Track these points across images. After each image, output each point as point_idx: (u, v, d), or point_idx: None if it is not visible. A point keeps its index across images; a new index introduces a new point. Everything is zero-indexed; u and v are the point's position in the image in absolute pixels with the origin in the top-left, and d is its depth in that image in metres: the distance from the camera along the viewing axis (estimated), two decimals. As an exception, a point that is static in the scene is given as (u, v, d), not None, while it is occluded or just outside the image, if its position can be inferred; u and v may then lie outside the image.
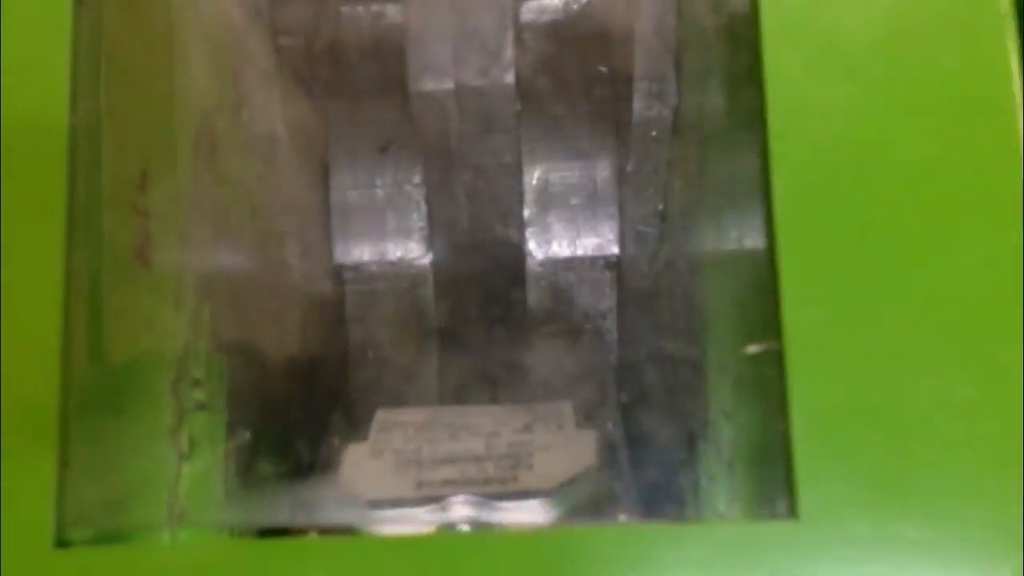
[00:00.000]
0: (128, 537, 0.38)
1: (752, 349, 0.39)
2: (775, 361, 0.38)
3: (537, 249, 0.75)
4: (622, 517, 0.52)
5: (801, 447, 0.35)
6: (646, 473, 0.58)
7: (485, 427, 0.64)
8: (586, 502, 0.55)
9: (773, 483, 0.40)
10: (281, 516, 0.57)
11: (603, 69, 0.67)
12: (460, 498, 0.55)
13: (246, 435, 0.62)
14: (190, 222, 0.53)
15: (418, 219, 0.74)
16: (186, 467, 0.50)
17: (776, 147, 0.37)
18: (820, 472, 0.35)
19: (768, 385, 0.40)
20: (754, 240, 0.44)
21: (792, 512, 0.35)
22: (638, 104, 0.63)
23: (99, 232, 0.41)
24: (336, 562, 0.36)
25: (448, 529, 0.54)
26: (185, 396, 0.51)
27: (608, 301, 0.74)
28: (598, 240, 0.74)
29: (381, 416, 0.66)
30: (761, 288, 0.42)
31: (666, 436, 0.61)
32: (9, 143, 0.39)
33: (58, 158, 0.39)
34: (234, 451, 0.59)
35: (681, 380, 0.61)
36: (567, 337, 0.76)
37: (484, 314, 0.77)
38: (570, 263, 0.74)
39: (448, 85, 0.65)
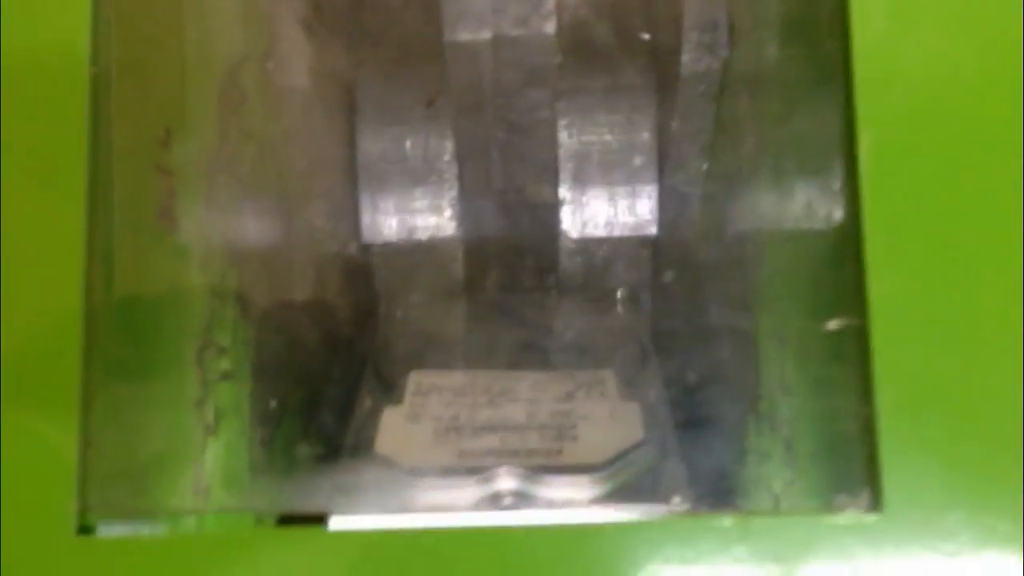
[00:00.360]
0: (153, 521, 0.36)
1: (833, 324, 0.35)
2: (855, 337, 0.35)
3: (571, 209, 0.71)
4: (676, 499, 0.50)
5: (887, 432, 0.32)
6: (692, 449, 0.56)
7: (523, 393, 0.61)
8: (634, 479, 0.53)
9: (845, 469, 0.37)
10: (311, 496, 0.54)
11: (649, 19, 0.63)
12: (504, 470, 0.53)
13: (272, 405, 0.60)
14: (215, 181, 0.50)
15: (449, 177, 0.71)
16: (212, 441, 0.48)
17: (863, 105, 0.34)
18: (907, 460, 0.32)
19: (843, 363, 0.37)
20: (822, 205, 0.41)
21: (875, 504, 0.32)
22: (686, 56, 0.59)
23: (122, 190, 0.38)
24: (364, 550, 0.34)
25: (493, 502, 0.52)
26: (210, 366, 0.48)
27: (646, 266, 0.71)
28: (636, 201, 0.70)
29: (415, 378, 0.64)
30: (832, 256, 0.39)
31: (713, 410, 0.58)
32: (28, 93, 0.36)
33: (79, 109, 0.36)
34: (260, 422, 0.57)
35: (729, 351, 0.58)
36: (603, 303, 0.73)
37: (516, 277, 0.74)
38: (607, 225, 0.71)
39: (485, 35, 0.62)
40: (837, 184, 0.36)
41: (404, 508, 0.52)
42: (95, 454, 0.35)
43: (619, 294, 0.72)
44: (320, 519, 0.38)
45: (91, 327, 0.35)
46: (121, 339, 0.38)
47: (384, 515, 0.51)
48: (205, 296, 0.48)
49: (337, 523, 0.41)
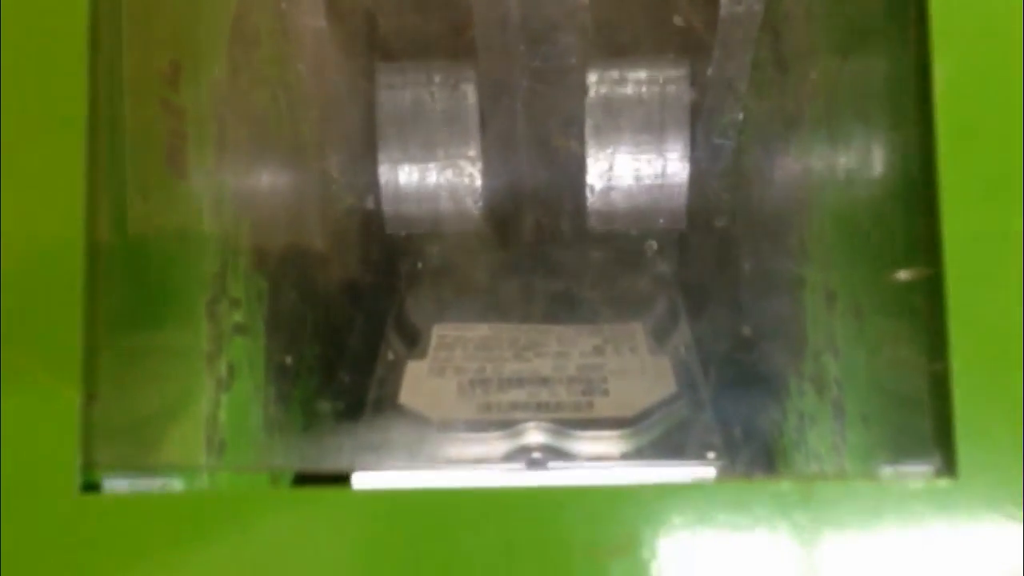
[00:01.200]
0: (163, 478, 0.33)
1: (904, 275, 0.33)
2: (921, 290, 0.32)
3: (598, 162, 0.68)
4: (710, 454, 0.47)
5: (961, 391, 0.30)
6: (727, 408, 0.53)
7: (551, 347, 0.59)
8: (666, 433, 0.50)
9: (904, 432, 0.35)
10: (329, 454, 0.52)
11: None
12: (532, 424, 0.51)
13: (288, 361, 0.57)
14: (226, 126, 0.48)
15: (471, 127, 0.68)
16: (225, 396, 0.46)
17: (940, 45, 0.31)
18: (984, 422, 0.30)
19: (905, 318, 0.34)
20: (876, 153, 0.38)
21: (949, 469, 0.30)
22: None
23: (129, 125, 0.35)
24: (382, 511, 0.31)
25: (521, 455, 0.49)
26: (223, 318, 0.46)
27: (676, 219, 0.68)
28: (666, 153, 0.67)
29: (439, 332, 0.62)
30: (892, 203, 0.36)
31: (748, 370, 0.56)
32: (22, 23, 0.33)
33: (78, 39, 0.33)
34: (276, 378, 0.54)
35: (767, 308, 0.55)
36: (631, 257, 0.70)
37: (541, 228, 0.71)
38: (636, 175, 0.68)
39: (512, -26, 0.58)
40: (903, 126, 0.33)
41: (431, 463, 0.50)
42: (100, 407, 0.32)
43: (648, 247, 0.69)
44: (337, 479, 0.36)
45: (94, 269, 0.32)
46: (128, 284, 0.35)
47: (410, 471, 0.49)
48: (217, 245, 0.45)
49: (360, 480, 0.39)
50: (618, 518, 0.30)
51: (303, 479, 0.44)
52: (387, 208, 0.67)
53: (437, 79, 0.65)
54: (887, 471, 0.30)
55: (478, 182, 0.68)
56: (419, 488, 0.31)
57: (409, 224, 0.69)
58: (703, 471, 0.47)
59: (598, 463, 0.50)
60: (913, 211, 0.32)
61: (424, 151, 0.66)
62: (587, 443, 0.50)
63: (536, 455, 0.50)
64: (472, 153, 0.67)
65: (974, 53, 0.31)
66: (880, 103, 0.36)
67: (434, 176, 0.68)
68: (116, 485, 0.32)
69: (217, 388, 0.45)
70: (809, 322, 0.47)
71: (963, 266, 0.30)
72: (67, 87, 0.32)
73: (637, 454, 0.50)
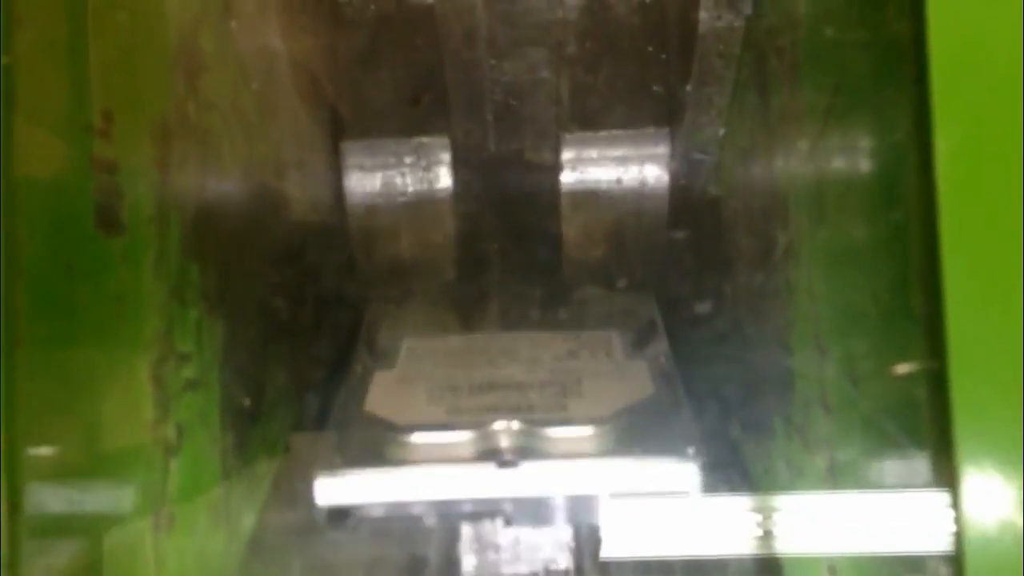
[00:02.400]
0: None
1: (903, 368, 0.30)
2: (919, 384, 0.29)
3: (572, 176, 0.65)
4: (689, 450, 0.45)
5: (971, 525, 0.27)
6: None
7: (524, 353, 0.57)
8: (644, 432, 0.48)
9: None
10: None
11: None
12: (503, 424, 0.48)
13: (245, 403, 0.54)
14: (172, 162, 0.44)
15: (440, 140, 0.64)
16: (174, 462, 0.42)
17: (941, 86, 0.28)
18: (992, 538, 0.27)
19: (907, 410, 0.31)
20: (864, 166, 0.35)
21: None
22: (705, 13, 0.52)
23: (40, 200, 0.31)
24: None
25: (492, 456, 0.47)
26: (170, 379, 0.42)
27: (655, 233, 0.65)
28: (644, 167, 0.64)
29: (408, 344, 0.60)
30: (893, 273, 0.33)
31: (735, 408, 0.53)
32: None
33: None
34: (233, 424, 0.51)
35: (744, 321, 0.52)
36: (606, 270, 0.68)
37: (512, 247, 0.68)
38: (608, 193, 0.65)
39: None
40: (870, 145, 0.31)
41: (397, 464, 0.48)
42: (22, 521, 0.29)
43: (628, 258, 0.67)
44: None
45: (12, 366, 0.29)
46: (51, 379, 0.32)
47: (375, 470, 0.47)
48: (162, 301, 0.42)
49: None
50: None
51: None
52: (351, 223, 0.64)
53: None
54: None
55: (448, 198, 0.65)
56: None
57: (375, 238, 0.66)
58: (682, 467, 0.46)
59: (572, 460, 0.47)
60: (913, 295, 0.29)
61: (389, 168, 0.63)
62: (561, 443, 0.48)
63: (508, 456, 0.48)
64: (439, 171, 0.64)
65: (981, 123, 0.28)
66: (855, 126, 0.33)
67: (402, 188, 0.64)
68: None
69: (165, 455, 0.42)
70: (797, 371, 0.44)
71: (968, 360, 0.27)
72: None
73: (614, 451, 0.47)
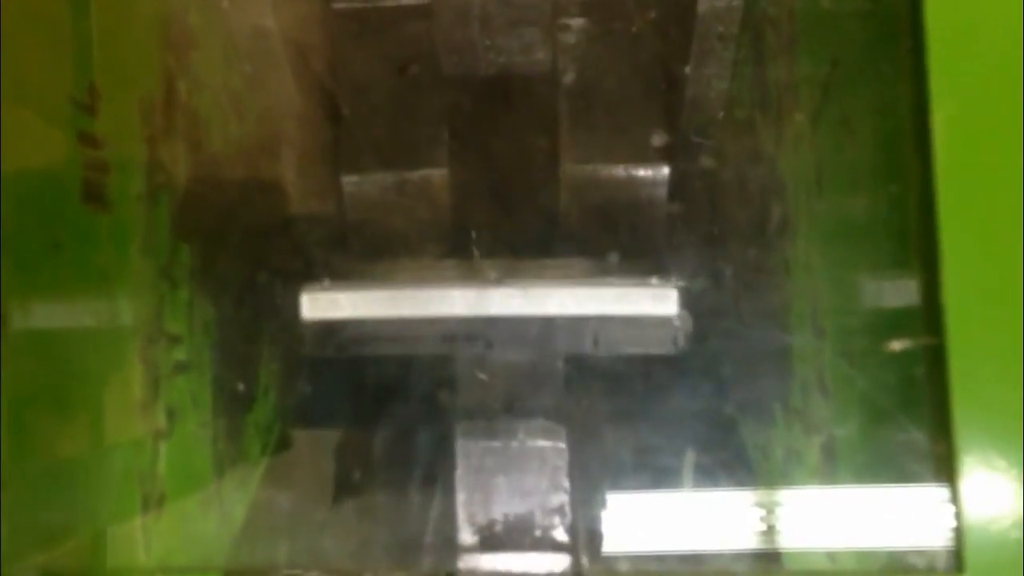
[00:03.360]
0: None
1: (897, 344, 0.29)
2: (921, 359, 0.28)
3: (572, 162, 0.64)
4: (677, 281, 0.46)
5: (971, 490, 0.26)
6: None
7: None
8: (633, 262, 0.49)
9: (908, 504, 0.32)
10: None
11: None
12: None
13: (239, 387, 0.53)
14: (161, 142, 0.43)
15: (436, 127, 0.63)
16: (164, 445, 0.42)
17: (938, 58, 0.27)
18: (992, 520, 0.26)
19: (903, 386, 0.31)
20: (862, 140, 0.35)
21: (957, 566, 0.26)
22: (704, -7, 0.51)
23: (25, 175, 0.31)
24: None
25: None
26: (160, 360, 0.42)
27: (654, 222, 0.64)
28: (644, 152, 0.63)
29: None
30: (892, 247, 0.32)
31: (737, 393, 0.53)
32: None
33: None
34: (226, 410, 0.51)
35: (756, 351, 0.52)
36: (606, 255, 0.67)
37: (508, 236, 0.68)
38: (610, 179, 0.64)
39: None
40: (891, 154, 0.30)
41: (384, 283, 0.49)
42: (11, 497, 0.29)
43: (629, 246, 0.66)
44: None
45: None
46: (35, 358, 0.32)
47: (361, 291, 0.47)
48: (151, 281, 0.41)
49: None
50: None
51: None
52: (348, 212, 0.63)
53: (398, 80, 0.60)
54: (889, 565, 0.27)
55: (444, 185, 0.64)
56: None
57: (373, 229, 0.65)
58: (665, 293, 0.47)
59: (560, 283, 0.48)
60: (908, 263, 0.29)
61: (386, 155, 0.62)
62: (550, 269, 0.48)
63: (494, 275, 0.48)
64: (436, 158, 0.63)
65: (976, 96, 0.28)
66: (875, 146, 0.33)
67: (398, 180, 0.63)
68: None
69: (155, 438, 0.41)
70: (795, 353, 0.44)
71: (966, 337, 0.27)
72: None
73: (601, 273, 0.48)
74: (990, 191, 0.27)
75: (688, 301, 0.60)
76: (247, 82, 0.56)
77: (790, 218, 0.43)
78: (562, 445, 0.44)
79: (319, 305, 0.46)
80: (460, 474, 0.44)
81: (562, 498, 0.43)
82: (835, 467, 0.39)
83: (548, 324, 0.47)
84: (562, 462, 0.44)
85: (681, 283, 0.46)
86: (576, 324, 0.47)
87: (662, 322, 0.47)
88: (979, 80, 0.27)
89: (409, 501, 0.47)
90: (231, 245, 0.53)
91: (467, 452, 0.45)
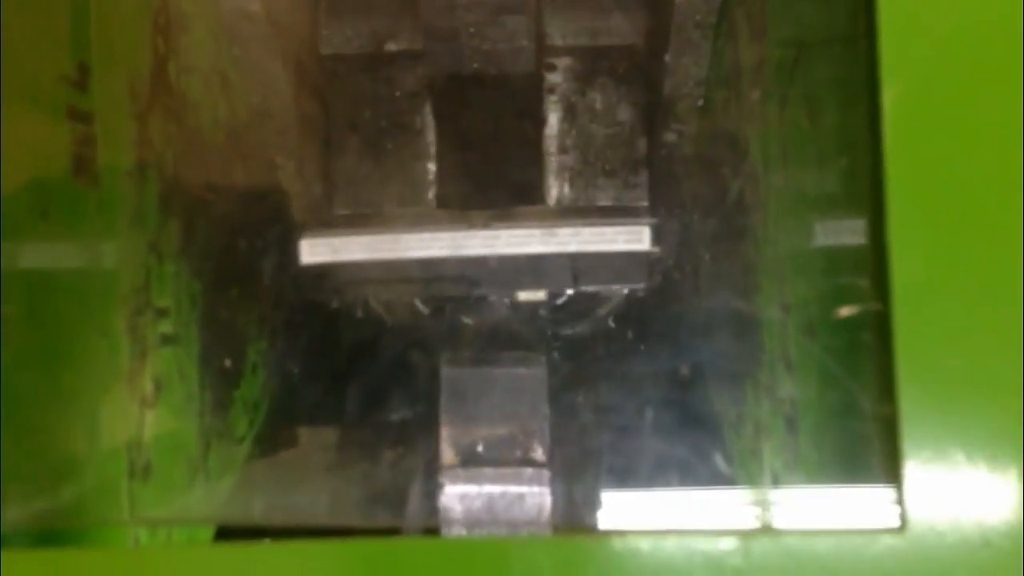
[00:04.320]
0: (77, 531, 0.31)
1: (846, 311, 0.31)
2: (871, 325, 0.30)
3: (557, 168, 0.65)
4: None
5: (911, 439, 0.28)
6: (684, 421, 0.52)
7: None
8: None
9: (856, 462, 0.33)
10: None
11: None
12: None
13: (226, 363, 0.55)
14: (150, 120, 0.45)
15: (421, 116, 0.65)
16: (150, 414, 0.43)
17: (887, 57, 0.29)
18: (933, 470, 0.28)
19: (855, 351, 0.32)
20: (839, 146, 0.36)
21: (899, 521, 0.28)
22: (680, -20, 0.53)
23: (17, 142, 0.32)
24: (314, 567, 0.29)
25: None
26: (147, 331, 0.43)
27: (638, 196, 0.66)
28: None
29: None
30: (847, 226, 0.34)
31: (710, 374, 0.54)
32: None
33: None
34: (212, 384, 0.52)
35: (729, 319, 0.53)
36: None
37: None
38: (596, 168, 0.65)
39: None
40: (852, 138, 0.31)
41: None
42: (5, 453, 0.30)
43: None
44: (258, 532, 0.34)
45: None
46: (24, 321, 0.33)
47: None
48: (139, 254, 0.43)
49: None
50: (556, 572, 0.28)
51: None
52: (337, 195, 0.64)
53: (382, 71, 0.62)
54: (828, 526, 0.28)
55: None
56: (341, 542, 0.29)
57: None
58: (639, 230, 0.49)
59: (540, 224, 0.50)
60: (863, 239, 0.30)
61: (371, 147, 0.63)
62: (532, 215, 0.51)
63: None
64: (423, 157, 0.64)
65: (924, 76, 0.29)
66: (829, 124, 0.34)
67: (386, 166, 0.65)
68: (19, 540, 0.30)
69: (141, 406, 0.42)
70: (764, 330, 0.45)
71: (912, 305, 0.28)
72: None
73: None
74: (936, 165, 0.29)
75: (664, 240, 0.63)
76: (234, 63, 0.57)
77: (757, 190, 0.45)
78: (542, 372, 0.47)
79: (317, 250, 0.50)
80: (444, 400, 0.47)
81: (541, 422, 0.46)
82: (796, 438, 0.40)
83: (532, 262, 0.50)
84: (542, 388, 0.47)
85: (654, 221, 0.49)
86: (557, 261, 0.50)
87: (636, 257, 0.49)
88: (927, 61, 0.29)
89: (396, 439, 0.50)
90: (218, 221, 0.54)
91: (452, 379, 0.47)
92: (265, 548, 0.29)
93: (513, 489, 0.46)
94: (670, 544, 0.28)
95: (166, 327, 0.45)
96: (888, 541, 0.28)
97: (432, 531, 0.43)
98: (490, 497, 0.46)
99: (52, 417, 0.35)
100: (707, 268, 0.57)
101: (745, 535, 0.27)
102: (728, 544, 0.27)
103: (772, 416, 0.44)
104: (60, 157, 0.36)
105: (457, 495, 0.45)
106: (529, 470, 0.45)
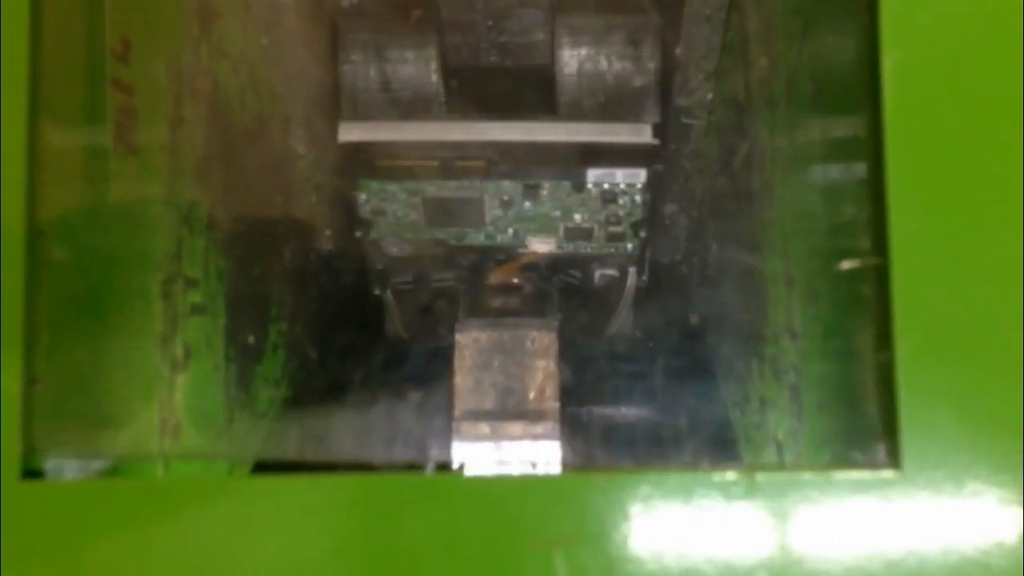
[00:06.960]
0: (109, 463, 0.33)
1: (848, 264, 0.32)
2: (872, 280, 0.32)
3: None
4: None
5: (906, 384, 0.30)
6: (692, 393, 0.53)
7: None
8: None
9: (858, 420, 0.35)
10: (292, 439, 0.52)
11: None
12: None
13: (250, 339, 0.57)
14: (185, 100, 0.47)
15: (437, 104, 0.67)
16: (180, 377, 0.45)
17: (888, 28, 0.31)
18: (927, 414, 0.30)
19: (858, 307, 0.34)
20: (829, 140, 0.38)
21: (893, 460, 0.30)
22: (692, -24, 0.55)
23: (71, 106, 0.34)
24: (342, 500, 0.31)
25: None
26: (178, 298, 0.45)
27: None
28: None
29: None
30: (849, 191, 0.35)
31: (715, 351, 0.56)
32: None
33: (19, 16, 0.32)
34: (237, 358, 0.54)
35: (734, 289, 0.55)
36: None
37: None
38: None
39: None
40: (854, 113, 0.33)
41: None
42: (42, 390, 0.32)
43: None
44: (289, 466, 0.35)
45: (35, 250, 0.32)
46: (72, 265, 0.35)
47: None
48: (172, 224, 0.45)
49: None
50: (564, 508, 0.30)
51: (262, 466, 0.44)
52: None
53: (399, 56, 0.64)
54: (832, 461, 0.30)
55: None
56: (365, 476, 0.31)
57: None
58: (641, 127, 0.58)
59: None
60: (864, 202, 0.32)
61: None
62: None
63: None
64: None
65: (923, 43, 0.31)
66: (834, 89, 0.36)
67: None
68: (59, 471, 0.32)
69: (172, 369, 0.44)
70: (771, 307, 0.47)
71: (910, 258, 0.30)
72: (9, 68, 0.32)
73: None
74: (934, 129, 0.31)
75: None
76: (263, 53, 0.59)
77: (763, 152, 0.47)
78: (553, 333, 0.50)
79: (353, 131, 0.58)
80: (458, 358, 0.49)
81: (551, 378, 0.48)
82: (801, 408, 0.42)
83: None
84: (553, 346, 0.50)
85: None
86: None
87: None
88: (926, 29, 0.31)
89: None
90: (247, 203, 0.56)
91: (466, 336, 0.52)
92: (296, 480, 0.31)
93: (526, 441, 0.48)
94: (673, 479, 0.30)
95: (196, 297, 0.47)
96: (886, 476, 0.29)
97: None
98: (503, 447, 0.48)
99: (97, 360, 0.37)
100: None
101: (750, 468, 0.29)
102: (733, 476, 0.29)
103: (777, 389, 0.45)
104: (105, 124, 0.38)
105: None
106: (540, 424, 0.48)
